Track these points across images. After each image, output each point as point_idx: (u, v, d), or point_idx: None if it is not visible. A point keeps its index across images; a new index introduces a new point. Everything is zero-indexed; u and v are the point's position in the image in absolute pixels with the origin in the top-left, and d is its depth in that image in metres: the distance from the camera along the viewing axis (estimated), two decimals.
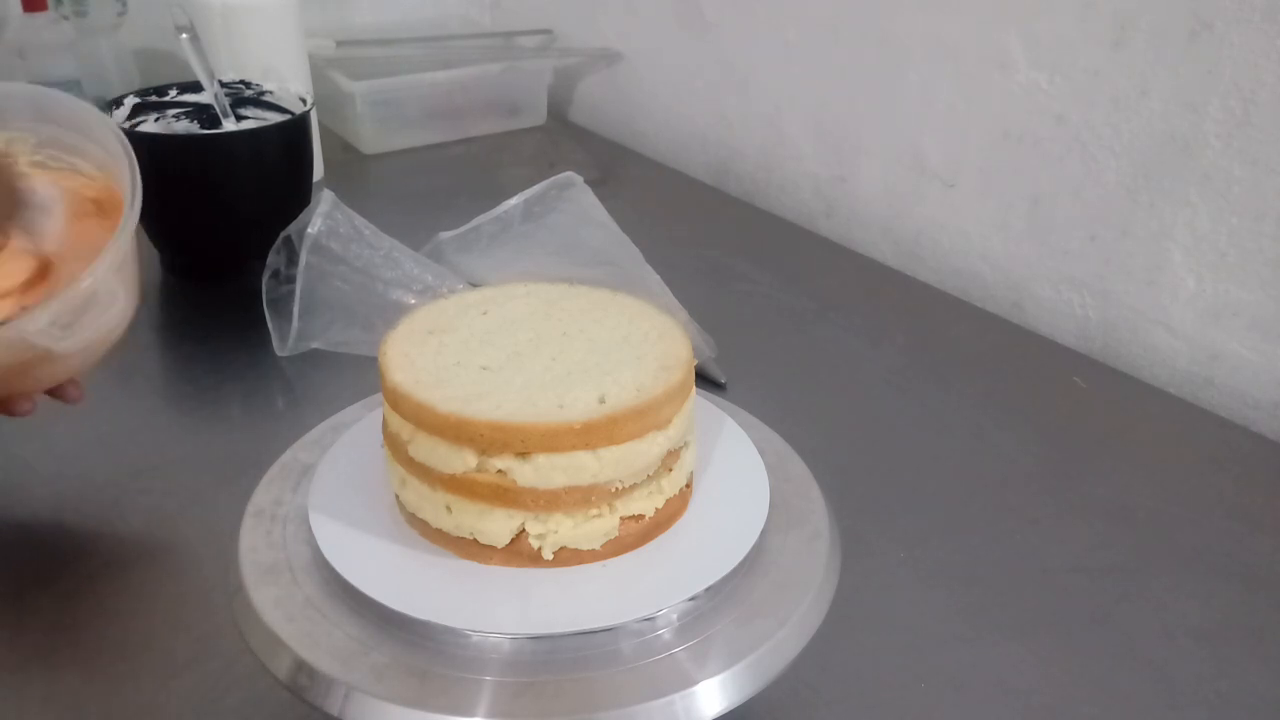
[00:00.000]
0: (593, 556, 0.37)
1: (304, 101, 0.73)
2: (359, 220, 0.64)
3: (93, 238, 0.51)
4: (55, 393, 0.49)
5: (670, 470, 0.39)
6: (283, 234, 0.63)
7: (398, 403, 0.37)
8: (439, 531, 0.38)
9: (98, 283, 0.43)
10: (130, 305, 0.48)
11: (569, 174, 0.68)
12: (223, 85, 0.73)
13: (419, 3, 1.20)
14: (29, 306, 0.47)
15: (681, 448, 0.39)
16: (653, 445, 0.37)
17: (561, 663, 0.34)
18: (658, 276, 0.64)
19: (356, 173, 0.94)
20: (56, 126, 0.51)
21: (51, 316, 0.42)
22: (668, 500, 0.39)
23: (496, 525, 0.36)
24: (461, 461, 0.36)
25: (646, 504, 0.38)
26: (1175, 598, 0.46)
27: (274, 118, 0.73)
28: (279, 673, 0.34)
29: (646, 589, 0.36)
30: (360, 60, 1.00)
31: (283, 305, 0.62)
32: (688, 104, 1.00)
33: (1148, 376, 0.67)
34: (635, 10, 1.03)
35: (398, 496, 0.39)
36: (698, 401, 0.41)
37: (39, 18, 0.87)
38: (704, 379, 0.60)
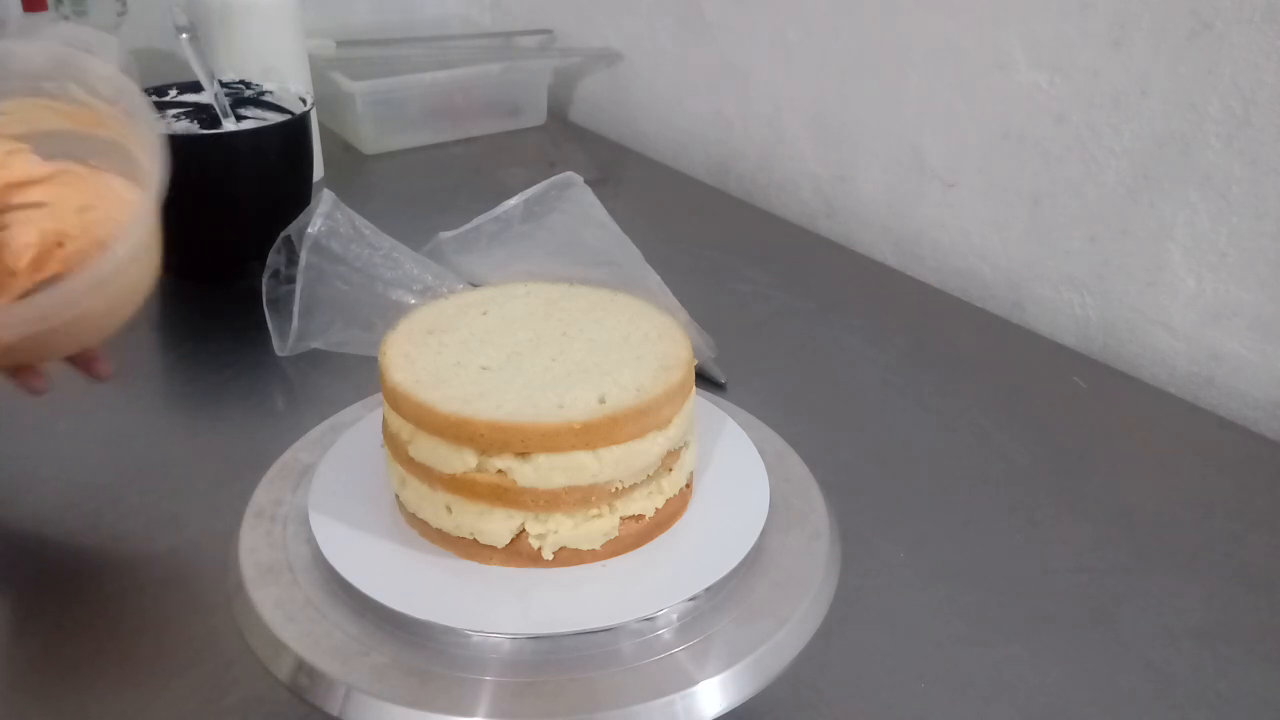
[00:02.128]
0: (593, 556, 0.37)
1: (304, 101, 0.73)
2: (359, 220, 0.64)
3: (83, 183, 0.50)
4: (86, 369, 0.49)
5: (670, 470, 0.39)
6: (283, 234, 0.63)
7: (398, 403, 0.37)
8: (439, 531, 0.38)
9: (130, 248, 0.44)
10: (155, 262, 0.48)
11: (569, 174, 0.68)
12: (223, 85, 0.73)
13: (419, 3, 1.20)
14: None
15: (681, 448, 0.39)
16: (653, 445, 0.37)
17: (561, 663, 0.34)
18: (658, 276, 0.64)
19: (356, 173, 0.94)
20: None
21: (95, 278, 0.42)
22: (668, 500, 0.39)
23: (496, 525, 0.36)
24: (461, 461, 0.36)
25: (646, 504, 0.38)
26: (1175, 598, 0.46)
27: (274, 118, 0.73)
28: (279, 673, 0.34)
29: (646, 589, 0.36)
30: (360, 60, 1.00)
31: (283, 305, 0.62)
32: (688, 104, 1.00)
33: (1148, 376, 0.67)
34: (635, 10, 1.03)
35: (398, 496, 0.39)
36: (698, 401, 0.41)
37: (39, 18, 0.87)
38: (704, 379, 0.60)
